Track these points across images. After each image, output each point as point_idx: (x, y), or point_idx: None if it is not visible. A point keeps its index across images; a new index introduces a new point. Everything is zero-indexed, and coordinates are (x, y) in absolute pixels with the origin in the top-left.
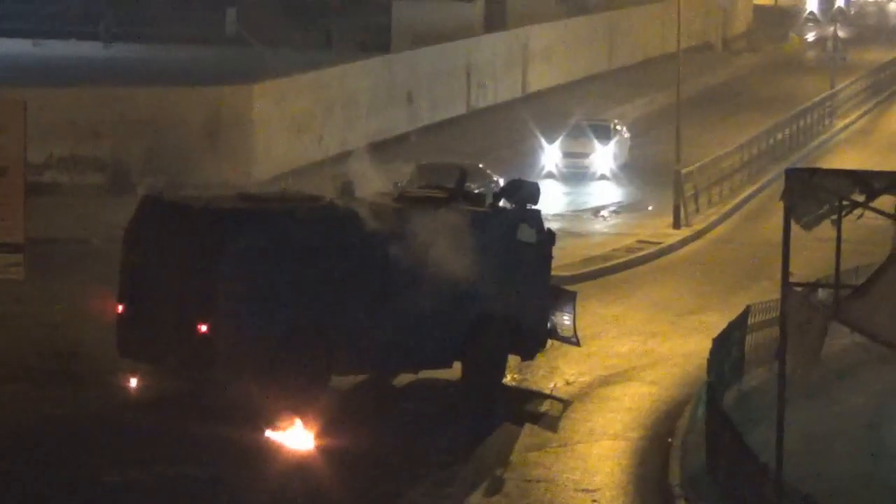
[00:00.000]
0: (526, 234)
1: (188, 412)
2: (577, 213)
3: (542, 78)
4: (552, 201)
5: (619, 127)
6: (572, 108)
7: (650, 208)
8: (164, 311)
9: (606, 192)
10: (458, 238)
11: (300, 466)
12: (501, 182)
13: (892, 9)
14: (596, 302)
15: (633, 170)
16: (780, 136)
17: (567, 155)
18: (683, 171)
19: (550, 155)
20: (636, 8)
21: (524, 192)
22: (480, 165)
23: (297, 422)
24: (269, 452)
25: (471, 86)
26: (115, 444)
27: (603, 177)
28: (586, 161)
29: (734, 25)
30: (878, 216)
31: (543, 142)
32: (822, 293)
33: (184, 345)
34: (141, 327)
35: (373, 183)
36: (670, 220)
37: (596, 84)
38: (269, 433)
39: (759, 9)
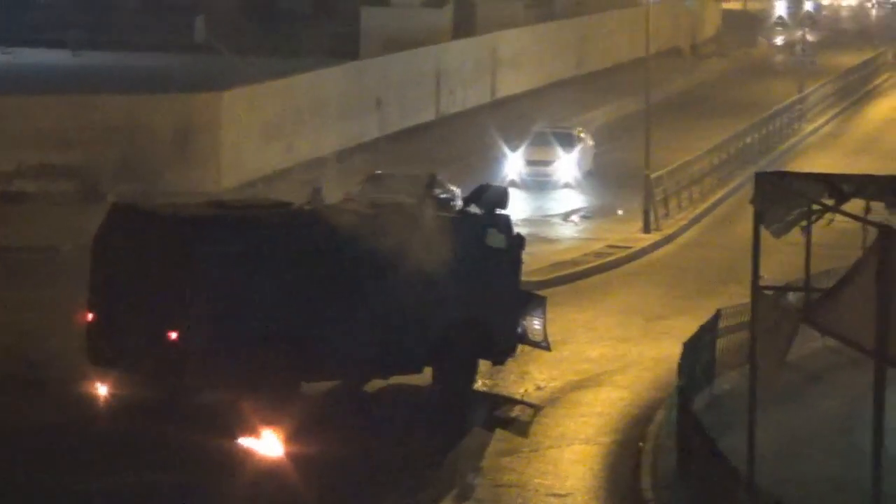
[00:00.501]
0: (495, 239)
1: (160, 419)
2: (545, 219)
3: (511, 84)
4: (518, 208)
5: (582, 134)
6: (541, 113)
7: (620, 213)
8: (135, 318)
9: (572, 200)
10: (429, 244)
11: (272, 473)
12: (457, 191)
13: (874, 13)
14: (566, 307)
15: (602, 175)
16: (749, 139)
17: (530, 163)
18: (653, 175)
19: (513, 163)
20: (606, 14)
21: (492, 197)
22: (438, 176)
23: (269, 428)
24: (241, 459)
25: (440, 92)
26: (87, 452)
27: (567, 185)
28: (549, 169)
29: (703, 30)
30: (849, 219)
31: (506, 150)
32: (792, 296)
33: (155, 352)
34: (112, 335)
35: (342, 189)
36: (640, 224)
37: (565, 90)
38: (240, 440)
39: (727, 13)
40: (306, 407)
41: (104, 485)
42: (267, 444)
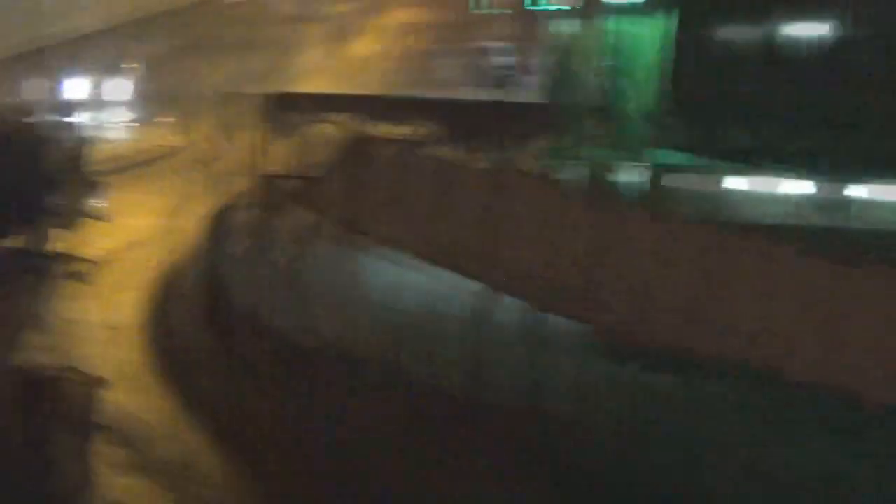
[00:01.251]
0: (63, 136)
1: None
2: (101, 125)
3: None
4: (79, 119)
5: (128, 65)
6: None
7: (160, 121)
8: None
9: (120, 113)
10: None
11: None
12: None
13: None
14: (121, 190)
15: (150, 98)
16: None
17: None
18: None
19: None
20: None
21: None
22: None
23: None
24: None
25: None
26: None
27: (115, 103)
28: (101, 91)
29: None
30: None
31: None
32: (288, 182)
33: None
34: None
35: None
36: (177, 131)
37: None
38: None
39: None
40: None
41: None
42: None
